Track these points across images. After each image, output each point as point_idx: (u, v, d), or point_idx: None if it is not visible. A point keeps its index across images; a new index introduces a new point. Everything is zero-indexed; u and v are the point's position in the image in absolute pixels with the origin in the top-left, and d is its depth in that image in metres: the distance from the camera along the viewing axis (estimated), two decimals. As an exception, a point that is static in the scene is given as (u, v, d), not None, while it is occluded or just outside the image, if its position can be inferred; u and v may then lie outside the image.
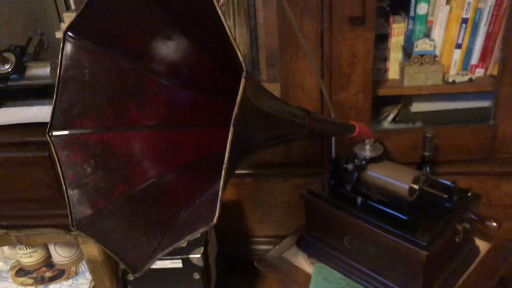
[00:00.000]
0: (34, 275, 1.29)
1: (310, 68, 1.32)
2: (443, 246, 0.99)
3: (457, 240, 1.03)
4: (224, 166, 0.48)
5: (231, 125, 0.47)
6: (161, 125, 0.71)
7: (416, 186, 1.01)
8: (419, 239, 0.95)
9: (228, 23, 0.48)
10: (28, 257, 1.28)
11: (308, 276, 1.15)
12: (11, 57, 1.05)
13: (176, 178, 0.68)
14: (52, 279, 1.26)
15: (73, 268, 1.30)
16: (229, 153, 0.47)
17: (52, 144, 0.66)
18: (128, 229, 0.63)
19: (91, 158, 0.67)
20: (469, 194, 1.06)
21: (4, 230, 1.07)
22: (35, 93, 1.07)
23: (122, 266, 1.16)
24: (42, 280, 1.27)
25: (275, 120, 0.68)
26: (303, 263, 1.18)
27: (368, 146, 1.05)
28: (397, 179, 1.02)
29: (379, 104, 1.49)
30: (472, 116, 1.51)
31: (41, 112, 1.03)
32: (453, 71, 1.44)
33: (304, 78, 1.34)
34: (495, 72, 1.40)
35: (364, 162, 1.03)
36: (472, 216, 1.02)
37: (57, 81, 0.65)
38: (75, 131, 0.67)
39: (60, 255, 1.29)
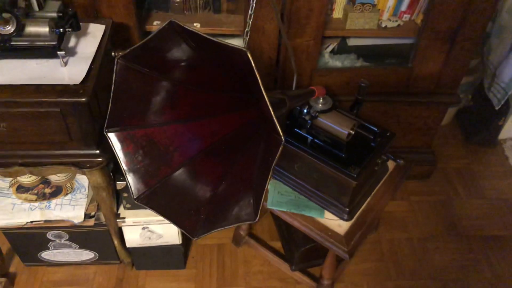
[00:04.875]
0: (35, 191, 1.51)
1: (271, 15, 1.51)
2: (366, 175, 1.39)
3: (376, 169, 1.44)
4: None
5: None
6: (187, 119, 0.93)
7: (352, 132, 1.36)
8: (351, 172, 1.33)
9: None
10: (28, 177, 1.49)
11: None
12: (11, 17, 1.12)
13: (202, 161, 0.93)
14: (53, 195, 1.50)
15: (68, 185, 1.53)
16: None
17: (109, 139, 0.87)
18: (178, 203, 0.89)
19: (140, 149, 0.89)
20: (388, 134, 1.44)
21: (20, 167, 1.26)
22: (36, 52, 1.18)
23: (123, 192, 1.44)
24: (44, 196, 1.50)
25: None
26: (262, 180, 1.54)
27: (321, 100, 1.35)
28: (339, 126, 1.35)
29: (323, 38, 1.74)
30: (396, 51, 1.85)
31: (49, 74, 1.16)
32: (385, 15, 1.71)
33: (265, 23, 1.54)
34: (418, 20, 1.70)
35: (317, 113, 1.34)
36: (389, 155, 1.41)
37: (112, 93, 0.84)
38: (125, 128, 0.87)
39: (56, 175, 1.50)
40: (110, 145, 1.30)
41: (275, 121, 0.68)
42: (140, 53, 0.81)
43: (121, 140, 0.88)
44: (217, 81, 0.92)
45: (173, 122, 0.92)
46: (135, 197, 0.89)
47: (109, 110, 0.86)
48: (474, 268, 1.83)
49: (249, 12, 1.10)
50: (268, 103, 0.68)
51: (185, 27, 0.73)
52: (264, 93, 0.68)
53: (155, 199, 0.89)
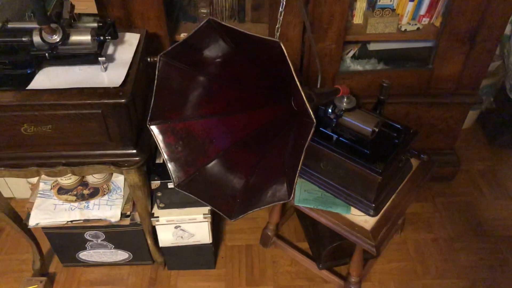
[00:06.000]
0: (74, 192, 1.60)
1: (295, 21, 1.59)
2: (391, 171, 1.43)
3: (400, 165, 1.48)
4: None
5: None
6: (222, 113, 1.00)
7: (376, 129, 1.41)
8: (376, 167, 1.37)
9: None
10: (67, 179, 1.58)
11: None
12: (58, 28, 1.22)
13: (236, 151, 1.00)
14: (91, 196, 1.59)
15: (105, 186, 1.62)
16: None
17: (152, 131, 0.95)
18: (215, 189, 0.96)
19: (180, 140, 0.97)
20: (411, 131, 1.49)
21: (64, 167, 1.35)
22: (79, 59, 1.28)
23: (156, 189, 1.51)
24: (83, 197, 1.58)
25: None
26: (289, 179, 1.59)
27: (345, 99, 1.41)
28: (364, 124, 1.41)
29: (344, 43, 1.81)
30: (416, 54, 1.90)
31: (91, 78, 1.25)
32: (405, 20, 1.77)
33: (289, 31, 1.62)
34: (437, 23, 1.75)
35: (342, 112, 1.40)
36: (413, 150, 1.45)
37: (154, 88, 0.92)
38: (166, 121, 0.95)
39: (94, 177, 1.59)
40: (146, 145, 1.39)
41: (306, 102, 0.75)
42: (181, 51, 0.88)
43: (162, 132, 0.96)
44: (249, 77, 0.99)
45: (209, 116, 0.99)
46: (175, 184, 0.96)
47: (151, 104, 0.94)
48: (502, 268, 1.83)
49: (280, 10, 1.18)
50: (298, 86, 0.75)
51: (222, 23, 0.80)
52: (295, 76, 0.75)
53: (194, 186, 0.96)
